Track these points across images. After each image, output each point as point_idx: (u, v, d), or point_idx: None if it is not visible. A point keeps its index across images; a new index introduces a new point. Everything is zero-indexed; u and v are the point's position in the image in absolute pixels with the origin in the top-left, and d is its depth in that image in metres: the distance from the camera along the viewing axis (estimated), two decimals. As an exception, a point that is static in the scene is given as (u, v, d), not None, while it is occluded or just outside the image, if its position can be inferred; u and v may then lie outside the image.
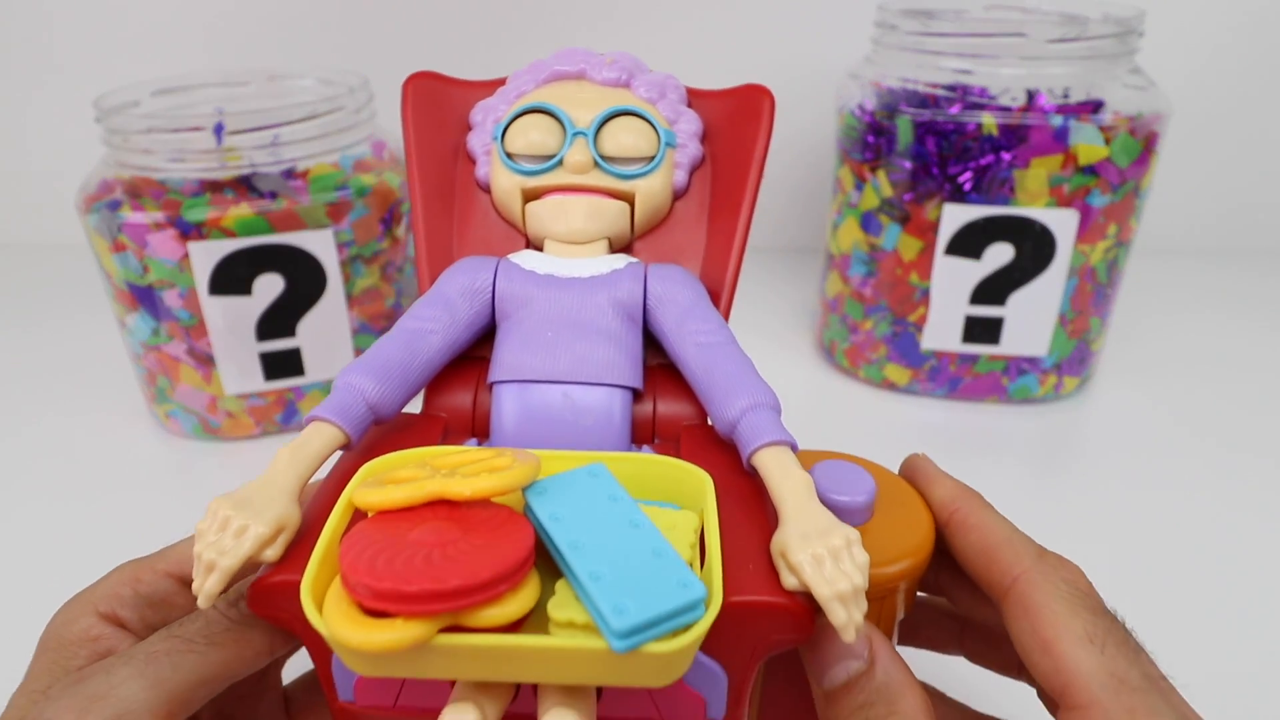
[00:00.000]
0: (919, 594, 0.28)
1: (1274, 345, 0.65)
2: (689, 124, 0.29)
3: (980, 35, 0.49)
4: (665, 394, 0.26)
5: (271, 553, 0.20)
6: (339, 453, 0.24)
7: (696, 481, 0.22)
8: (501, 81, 0.30)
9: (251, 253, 0.47)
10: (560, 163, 0.27)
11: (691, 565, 0.19)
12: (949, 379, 0.56)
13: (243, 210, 0.46)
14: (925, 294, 0.54)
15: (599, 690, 0.21)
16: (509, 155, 0.28)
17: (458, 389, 0.26)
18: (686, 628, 0.18)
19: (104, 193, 0.47)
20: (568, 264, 0.27)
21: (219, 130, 0.46)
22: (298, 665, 0.29)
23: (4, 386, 0.59)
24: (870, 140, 0.52)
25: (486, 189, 0.29)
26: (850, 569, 0.19)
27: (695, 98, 0.30)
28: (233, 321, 0.49)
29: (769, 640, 0.20)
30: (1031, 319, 0.53)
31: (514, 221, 0.29)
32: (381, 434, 0.25)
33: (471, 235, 0.29)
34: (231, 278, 0.47)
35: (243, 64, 0.72)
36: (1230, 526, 0.45)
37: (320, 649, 0.21)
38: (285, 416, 0.53)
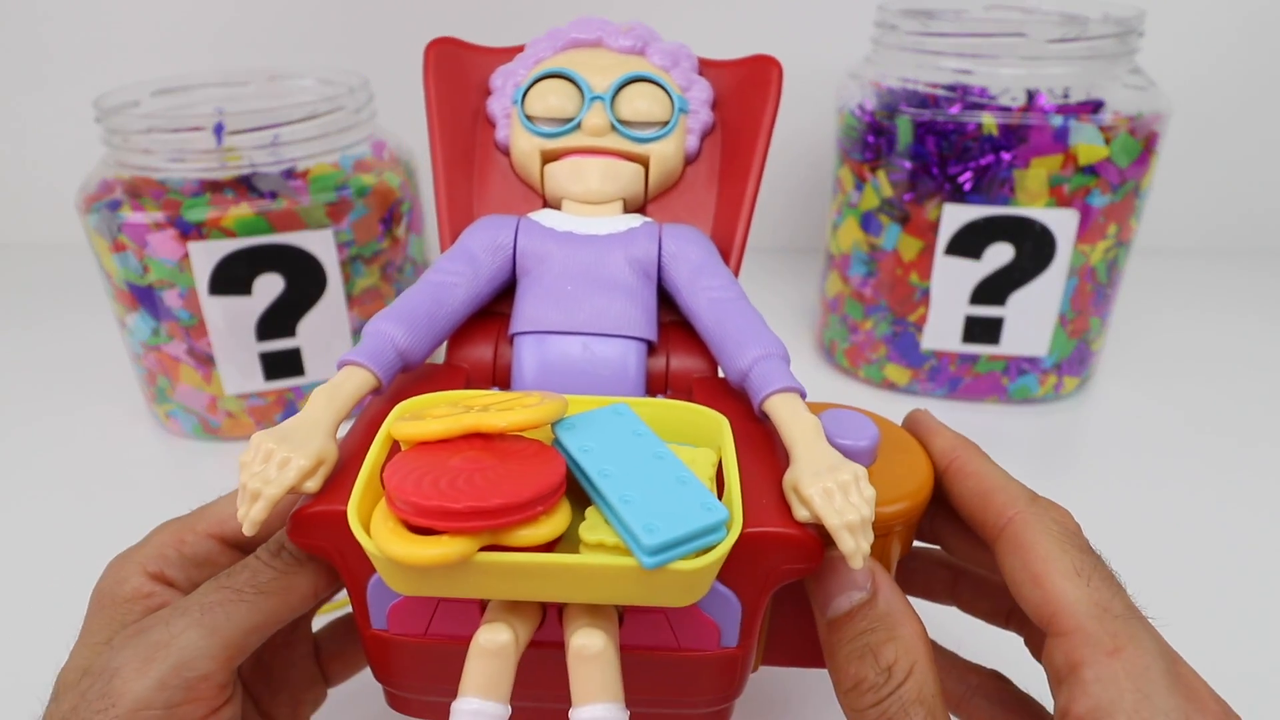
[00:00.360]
0: (916, 543, 0.28)
1: (1274, 345, 0.65)
2: (701, 91, 0.30)
3: (980, 35, 0.49)
4: (677, 349, 0.27)
5: (312, 484, 0.21)
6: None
7: (713, 423, 0.23)
8: (520, 48, 0.31)
9: (251, 253, 0.47)
10: (578, 126, 0.29)
11: None
12: (949, 379, 0.56)
13: (243, 210, 0.46)
14: (925, 294, 0.54)
15: (620, 618, 0.22)
16: (529, 118, 0.29)
17: (479, 342, 0.27)
18: (709, 548, 0.19)
19: (104, 193, 0.47)
20: (586, 222, 0.28)
21: (219, 130, 0.46)
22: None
23: (4, 386, 0.59)
24: (870, 140, 0.52)
25: (505, 151, 0.30)
26: (858, 501, 0.20)
27: (705, 67, 0.32)
28: (233, 321, 0.49)
29: (780, 570, 0.21)
30: (1031, 319, 0.53)
31: (532, 182, 0.30)
32: (407, 382, 0.25)
33: (490, 195, 0.30)
34: (231, 278, 0.47)
35: (243, 64, 0.72)
36: (1231, 525, 0.45)
37: (356, 577, 0.22)
38: (285, 417, 0.53)
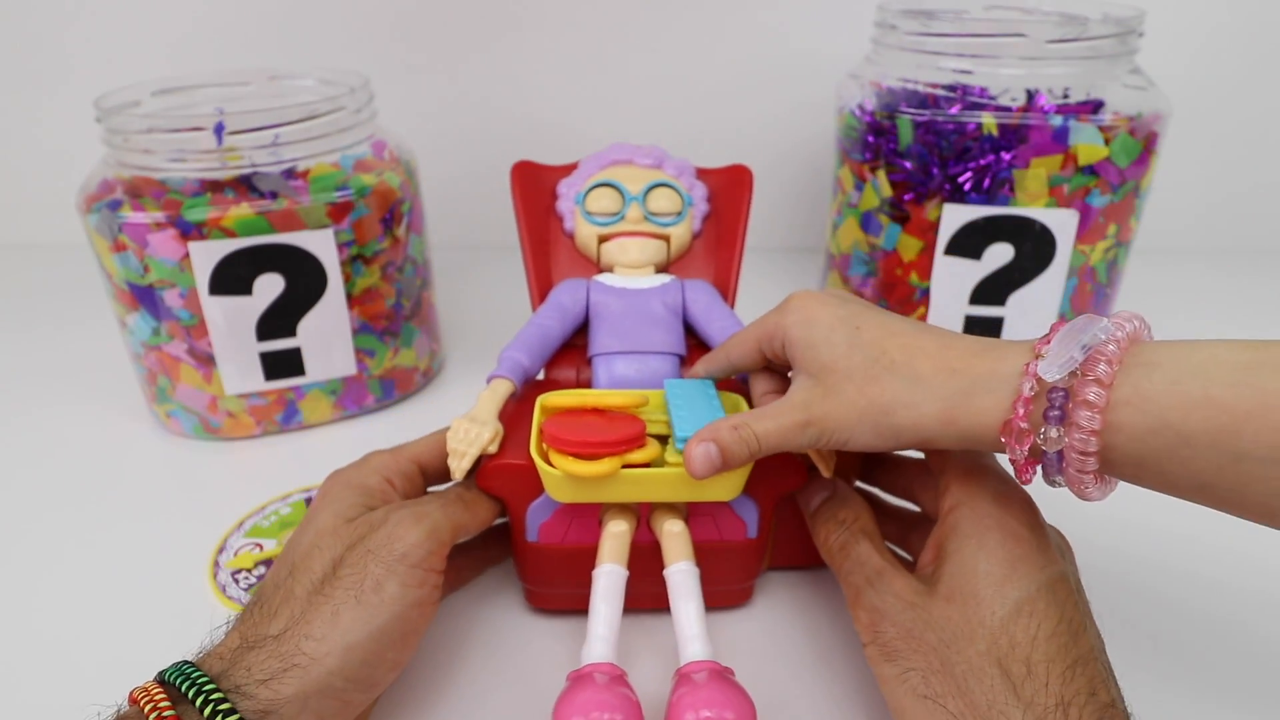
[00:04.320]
0: (893, 499, 0.41)
1: (1274, 345, 0.65)
2: (700, 191, 0.45)
3: (980, 35, 0.49)
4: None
5: (493, 448, 0.35)
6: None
7: (734, 400, 0.38)
8: (574, 165, 0.45)
9: (252, 253, 0.47)
10: (623, 218, 0.43)
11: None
12: (949, 379, 0.56)
13: (243, 210, 0.46)
14: (925, 294, 0.54)
15: (685, 520, 0.36)
16: (589, 213, 0.43)
17: (565, 365, 0.41)
18: None
19: (104, 192, 0.47)
20: (633, 281, 0.42)
21: (219, 130, 0.46)
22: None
23: (4, 386, 0.59)
24: (870, 140, 0.52)
25: (570, 236, 0.44)
26: None
27: (701, 173, 0.46)
28: (233, 321, 0.49)
29: (782, 484, 0.36)
30: (1031, 319, 0.53)
31: (590, 256, 0.44)
32: (528, 390, 0.39)
33: (561, 266, 0.44)
34: (232, 278, 0.47)
35: (243, 64, 0.72)
36: (1230, 526, 0.45)
37: (519, 506, 0.36)
38: (285, 416, 0.53)
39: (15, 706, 0.35)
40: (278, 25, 0.72)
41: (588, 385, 0.40)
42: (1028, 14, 0.54)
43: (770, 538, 0.39)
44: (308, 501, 0.46)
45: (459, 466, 0.34)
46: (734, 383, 0.40)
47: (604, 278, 0.42)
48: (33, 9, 0.72)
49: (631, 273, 0.42)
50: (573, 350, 0.41)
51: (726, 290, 0.43)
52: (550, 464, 0.32)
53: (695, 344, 0.41)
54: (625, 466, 0.32)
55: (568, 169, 0.45)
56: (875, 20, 0.53)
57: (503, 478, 0.35)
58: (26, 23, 0.73)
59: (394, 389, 0.56)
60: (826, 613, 0.40)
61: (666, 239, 0.43)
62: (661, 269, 0.44)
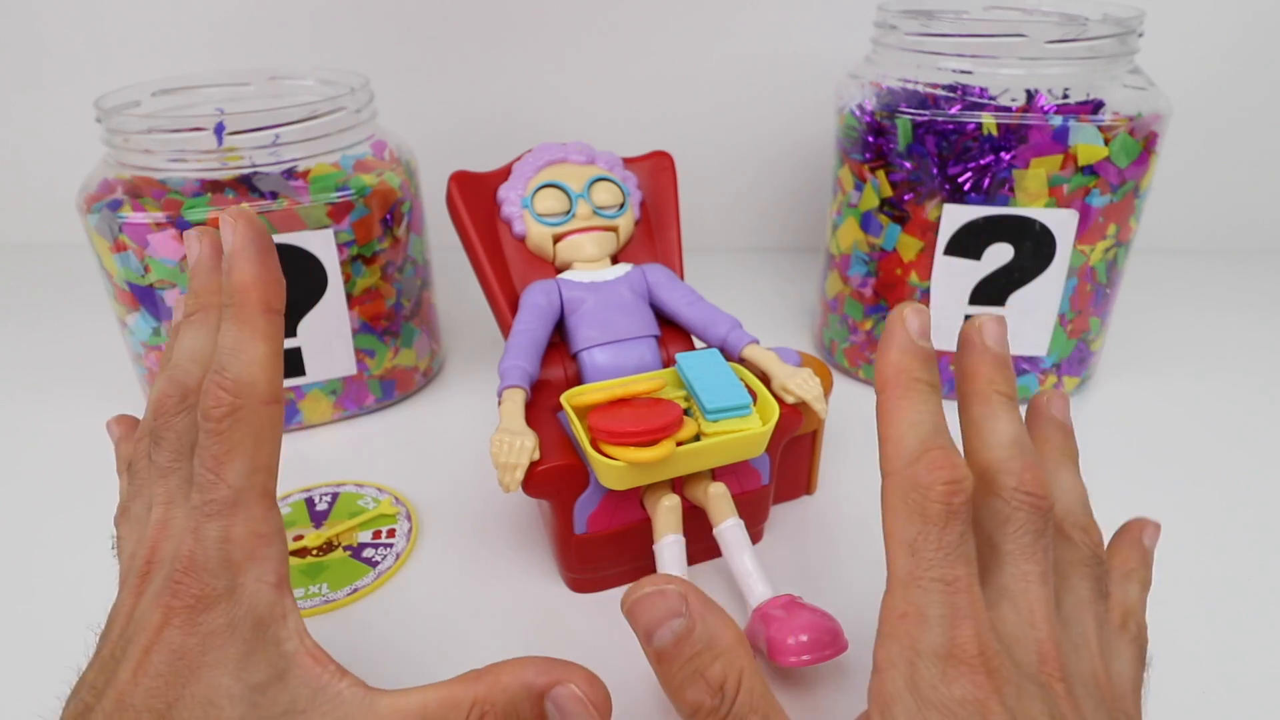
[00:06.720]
0: None
1: (1274, 345, 0.65)
2: (631, 181, 0.47)
3: (980, 36, 0.49)
4: (670, 339, 0.44)
5: (535, 455, 0.36)
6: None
7: (740, 370, 0.40)
8: (509, 168, 0.46)
9: (252, 253, 0.47)
10: (573, 215, 0.44)
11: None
12: (949, 379, 0.56)
13: (243, 210, 0.46)
14: (925, 294, 0.54)
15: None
16: (539, 215, 0.44)
17: (552, 365, 0.42)
18: (748, 418, 0.37)
19: (105, 192, 0.47)
20: (597, 274, 0.44)
21: (219, 130, 0.46)
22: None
23: (4, 386, 0.59)
24: (870, 140, 0.52)
25: (521, 239, 0.45)
26: (814, 384, 0.39)
27: (627, 163, 0.48)
28: (233, 321, 0.49)
29: (785, 432, 0.40)
30: (1031, 319, 0.53)
31: (545, 256, 0.45)
32: (533, 392, 0.40)
33: (518, 268, 0.45)
34: (232, 278, 0.47)
35: (243, 64, 0.72)
36: (1231, 526, 0.45)
37: (566, 503, 0.37)
38: (285, 416, 0.53)
39: (14, 706, 0.35)
40: (278, 25, 0.72)
41: (576, 381, 0.41)
42: (1028, 14, 0.54)
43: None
44: (308, 502, 0.46)
45: (514, 478, 0.35)
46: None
47: (569, 275, 0.44)
48: (33, 9, 0.72)
49: (591, 267, 0.44)
50: (551, 349, 0.42)
51: (675, 269, 0.46)
52: (609, 457, 0.34)
53: (664, 322, 0.44)
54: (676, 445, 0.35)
55: (502, 174, 0.46)
56: (875, 20, 0.53)
57: (552, 480, 0.36)
58: (26, 23, 0.73)
59: (394, 389, 0.56)
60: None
61: (615, 230, 0.45)
62: (613, 259, 0.45)
